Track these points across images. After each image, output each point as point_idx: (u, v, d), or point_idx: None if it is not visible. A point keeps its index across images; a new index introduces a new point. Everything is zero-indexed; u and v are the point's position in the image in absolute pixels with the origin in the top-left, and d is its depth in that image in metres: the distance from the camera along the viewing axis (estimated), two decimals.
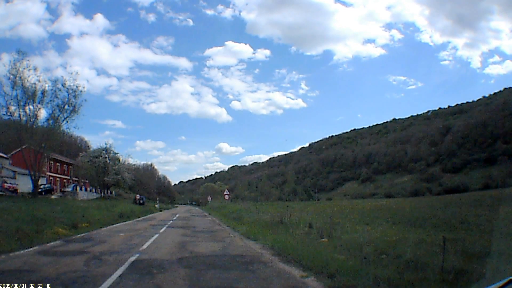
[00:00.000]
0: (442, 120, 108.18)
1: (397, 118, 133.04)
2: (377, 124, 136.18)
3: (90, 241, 11.78)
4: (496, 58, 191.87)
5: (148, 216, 30.86)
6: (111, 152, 53.67)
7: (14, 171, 39.19)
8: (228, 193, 41.72)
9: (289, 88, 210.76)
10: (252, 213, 22.59)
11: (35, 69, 29.29)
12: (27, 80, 28.67)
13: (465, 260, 6.17)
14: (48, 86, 30.14)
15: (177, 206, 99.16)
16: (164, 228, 17.53)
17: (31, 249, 9.52)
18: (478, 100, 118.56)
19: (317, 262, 7.04)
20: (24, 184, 35.15)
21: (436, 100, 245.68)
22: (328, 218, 12.98)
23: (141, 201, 52.22)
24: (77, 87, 30.99)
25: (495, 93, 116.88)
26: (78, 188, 48.71)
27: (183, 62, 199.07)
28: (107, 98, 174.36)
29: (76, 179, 57.82)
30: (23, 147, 31.17)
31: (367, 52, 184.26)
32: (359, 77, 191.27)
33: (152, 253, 9.13)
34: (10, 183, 34.19)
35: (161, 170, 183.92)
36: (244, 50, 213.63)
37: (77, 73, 32.02)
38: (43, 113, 32.20)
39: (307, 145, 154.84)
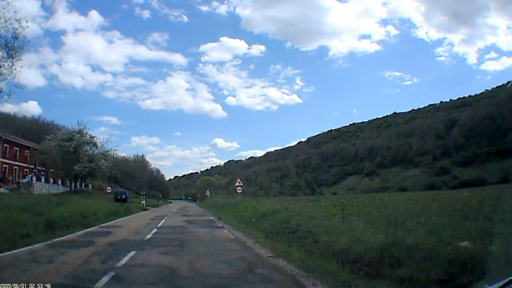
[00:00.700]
0: (446, 113, 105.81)
1: (397, 112, 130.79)
2: (376, 118, 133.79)
3: None
4: (493, 54, 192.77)
5: (109, 223, 17.27)
6: (86, 135, 43.86)
7: None
8: (240, 183, 27.34)
9: (284, 84, 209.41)
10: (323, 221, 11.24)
11: None
12: None
13: None
14: None
15: (171, 202, 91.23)
16: None
17: None
18: (481, 93, 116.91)
19: None
20: None
21: (432, 96, 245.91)
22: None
23: (123, 197, 44.09)
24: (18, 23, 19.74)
25: (498, 87, 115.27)
26: (34, 179, 39.13)
27: (178, 58, 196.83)
28: (102, 95, 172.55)
29: (42, 168, 46.42)
30: None
31: (363, 48, 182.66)
32: (354, 72, 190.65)
33: None
34: None
35: (156, 165, 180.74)
36: (239, 46, 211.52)
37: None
38: None
39: (305, 139, 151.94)
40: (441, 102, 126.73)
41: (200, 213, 29.83)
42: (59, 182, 45.37)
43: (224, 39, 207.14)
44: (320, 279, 5.77)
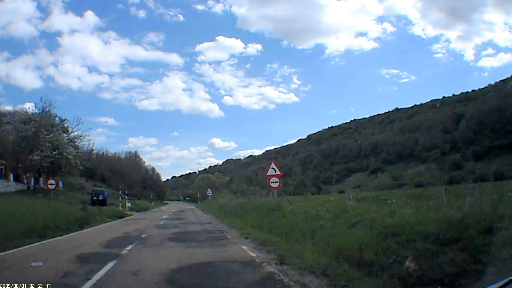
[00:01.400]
0: (451, 108, 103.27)
1: (399, 107, 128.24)
2: (378, 114, 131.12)
3: None
4: (490, 50, 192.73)
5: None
6: (51, 116, 35.27)
7: None
8: (277, 171, 16.76)
9: (281, 83, 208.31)
10: None
11: None
12: None
13: None
14: None
15: (167, 203, 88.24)
16: None
17: None
18: (484, 87, 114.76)
19: None
20: None
21: (430, 93, 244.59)
22: None
23: (100, 198, 35.82)
24: None
25: (502, 81, 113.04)
26: None
27: (174, 58, 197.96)
28: (99, 96, 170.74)
29: None
30: None
31: (359, 45, 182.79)
32: (351, 70, 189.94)
33: None
34: None
35: (154, 166, 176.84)
36: (235, 45, 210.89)
37: None
38: None
39: (305, 136, 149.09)
40: (443, 97, 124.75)
41: (206, 223, 20.08)
42: (11, 177, 36.15)
43: (220, 38, 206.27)
44: None
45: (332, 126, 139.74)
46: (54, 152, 33.09)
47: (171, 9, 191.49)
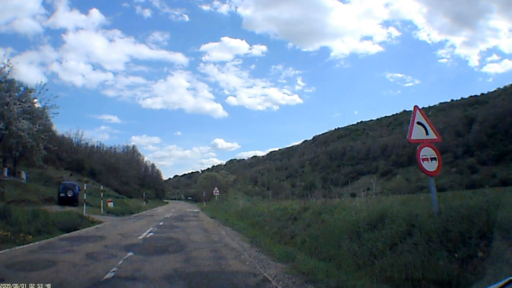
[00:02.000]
0: (460, 110, 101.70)
1: (407, 109, 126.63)
2: (385, 116, 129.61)
3: None
4: (494, 57, 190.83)
5: None
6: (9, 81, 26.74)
7: None
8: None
9: (285, 84, 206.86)
10: None
11: None
12: None
13: None
14: None
15: (167, 202, 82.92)
16: None
17: None
18: (493, 91, 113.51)
19: None
20: None
21: (434, 98, 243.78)
22: None
23: (68, 195, 27.15)
24: None
25: None
26: None
27: (179, 57, 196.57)
28: (102, 93, 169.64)
29: None
30: None
31: (364, 49, 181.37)
32: (356, 73, 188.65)
33: None
34: None
35: (155, 163, 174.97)
36: (240, 45, 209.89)
37: None
38: None
39: (310, 138, 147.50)
40: (451, 100, 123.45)
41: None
42: None
43: (225, 39, 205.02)
44: None
45: (338, 128, 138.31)
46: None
47: (177, 9, 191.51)
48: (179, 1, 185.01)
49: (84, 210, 21.93)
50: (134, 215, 29.96)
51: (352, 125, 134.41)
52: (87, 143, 65.95)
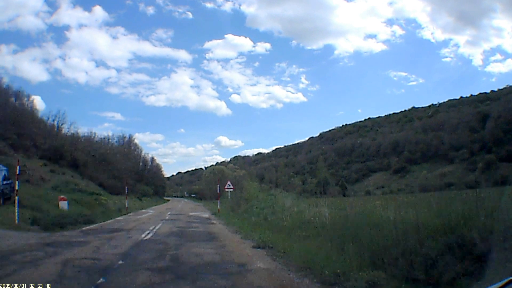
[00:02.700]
0: (472, 107, 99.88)
1: (416, 106, 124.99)
2: (394, 113, 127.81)
3: None
4: (498, 56, 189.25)
5: None
6: None
7: None
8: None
9: (289, 82, 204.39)
10: None
11: None
12: None
13: None
14: None
15: (168, 200, 79.44)
16: None
17: None
18: (503, 88, 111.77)
19: None
20: None
21: (437, 97, 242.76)
22: None
23: None
24: None
25: None
26: None
27: (183, 55, 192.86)
28: (106, 90, 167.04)
29: None
30: None
31: (368, 47, 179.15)
32: (360, 72, 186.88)
33: None
34: None
35: (157, 159, 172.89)
36: (244, 43, 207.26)
37: None
38: None
39: (317, 134, 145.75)
40: (461, 97, 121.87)
41: None
42: None
43: (229, 36, 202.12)
44: None
45: (346, 124, 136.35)
46: None
47: (180, 6, 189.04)
48: None
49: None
50: (85, 228, 15.53)
51: (360, 121, 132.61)
52: (69, 129, 55.45)
